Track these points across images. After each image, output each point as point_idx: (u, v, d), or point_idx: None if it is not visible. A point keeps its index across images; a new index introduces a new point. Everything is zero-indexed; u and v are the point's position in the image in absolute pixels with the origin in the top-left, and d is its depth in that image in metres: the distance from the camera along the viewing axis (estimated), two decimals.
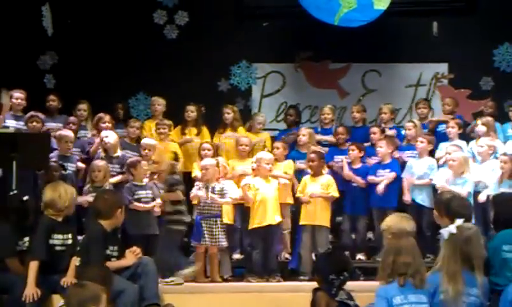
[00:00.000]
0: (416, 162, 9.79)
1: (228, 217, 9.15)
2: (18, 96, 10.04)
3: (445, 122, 10.40)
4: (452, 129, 10.12)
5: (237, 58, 12.45)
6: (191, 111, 10.76)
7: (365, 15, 10.96)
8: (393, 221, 6.40)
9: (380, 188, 9.63)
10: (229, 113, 10.77)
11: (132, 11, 12.08)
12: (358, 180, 9.83)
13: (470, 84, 12.17)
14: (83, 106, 10.61)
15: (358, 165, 9.98)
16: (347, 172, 9.91)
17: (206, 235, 8.79)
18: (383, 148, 9.89)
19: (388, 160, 9.87)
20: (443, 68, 12.38)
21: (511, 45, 12.26)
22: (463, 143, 9.98)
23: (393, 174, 9.72)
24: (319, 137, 10.59)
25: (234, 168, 9.74)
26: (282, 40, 12.26)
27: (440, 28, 12.22)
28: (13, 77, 10.62)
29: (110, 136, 9.62)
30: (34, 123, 9.64)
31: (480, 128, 9.94)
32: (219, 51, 12.05)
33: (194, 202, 8.99)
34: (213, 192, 8.87)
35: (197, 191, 8.90)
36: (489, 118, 10.21)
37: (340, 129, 10.66)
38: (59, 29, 11.77)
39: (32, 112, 9.82)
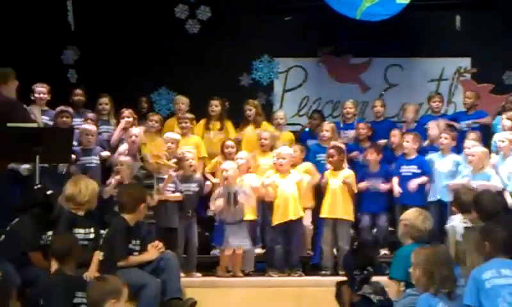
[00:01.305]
0: (441, 160, 9.65)
1: (251, 212, 9.08)
2: (41, 90, 9.85)
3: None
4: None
5: (258, 53, 12.42)
6: (215, 106, 10.68)
7: (387, 9, 10.86)
8: (411, 215, 6.43)
9: (412, 186, 9.48)
10: (251, 110, 10.72)
11: (154, 6, 12.07)
12: (382, 187, 9.65)
13: (492, 79, 12.11)
14: (104, 100, 10.42)
15: (376, 169, 9.80)
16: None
17: (230, 239, 8.68)
18: (409, 142, 9.79)
19: (413, 156, 9.76)
20: (465, 62, 12.31)
21: None
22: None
23: (426, 179, 9.60)
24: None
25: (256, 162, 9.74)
26: (304, 35, 12.22)
27: (462, 22, 12.15)
28: (37, 72, 10.64)
29: (140, 136, 9.47)
30: (64, 118, 9.59)
31: (505, 122, 9.78)
32: (240, 46, 12.03)
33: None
34: (235, 197, 8.72)
35: (218, 200, 8.77)
36: None
37: (361, 125, 10.64)
38: (81, 23, 11.83)
39: (62, 107, 9.77)
